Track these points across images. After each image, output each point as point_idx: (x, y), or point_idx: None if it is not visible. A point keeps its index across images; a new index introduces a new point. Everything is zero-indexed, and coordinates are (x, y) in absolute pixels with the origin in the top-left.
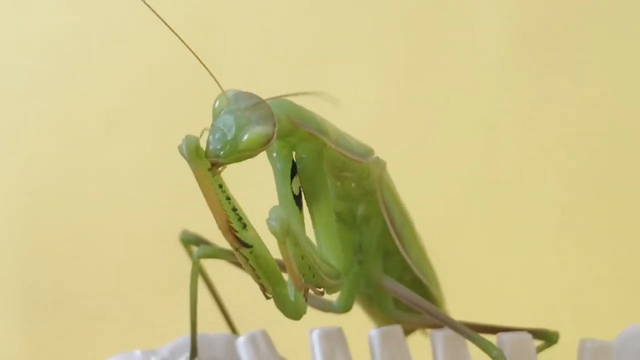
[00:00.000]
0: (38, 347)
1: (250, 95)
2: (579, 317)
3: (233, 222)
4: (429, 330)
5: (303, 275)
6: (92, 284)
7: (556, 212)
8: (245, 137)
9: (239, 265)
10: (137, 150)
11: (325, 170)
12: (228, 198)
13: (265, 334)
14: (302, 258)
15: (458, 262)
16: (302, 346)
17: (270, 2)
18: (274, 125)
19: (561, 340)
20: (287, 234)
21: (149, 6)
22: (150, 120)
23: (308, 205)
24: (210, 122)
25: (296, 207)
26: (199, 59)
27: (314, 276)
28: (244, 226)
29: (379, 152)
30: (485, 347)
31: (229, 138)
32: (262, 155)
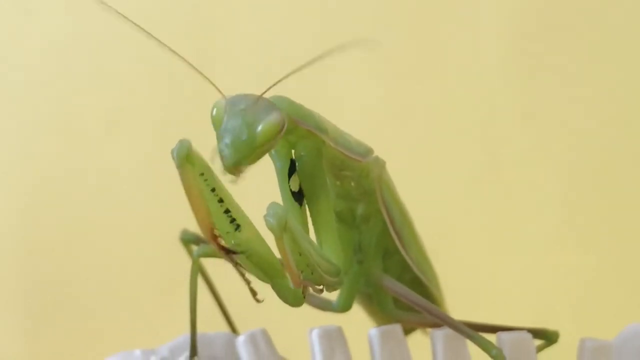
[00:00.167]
0: (38, 346)
1: (246, 95)
2: (579, 317)
3: (222, 227)
4: (429, 330)
5: (301, 272)
6: (92, 283)
7: (556, 212)
8: (259, 129)
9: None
10: (137, 150)
11: (324, 169)
12: (221, 200)
13: (265, 333)
14: (300, 255)
15: (458, 262)
16: (302, 345)
17: (269, 2)
18: (280, 112)
19: (561, 340)
20: (284, 230)
21: (146, 31)
22: (150, 121)
23: (307, 203)
24: (215, 132)
25: (295, 204)
26: (196, 68)
27: (312, 273)
28: (237, 227)
29: (379, 152)
30: (485, 346)
31: (244, 138)
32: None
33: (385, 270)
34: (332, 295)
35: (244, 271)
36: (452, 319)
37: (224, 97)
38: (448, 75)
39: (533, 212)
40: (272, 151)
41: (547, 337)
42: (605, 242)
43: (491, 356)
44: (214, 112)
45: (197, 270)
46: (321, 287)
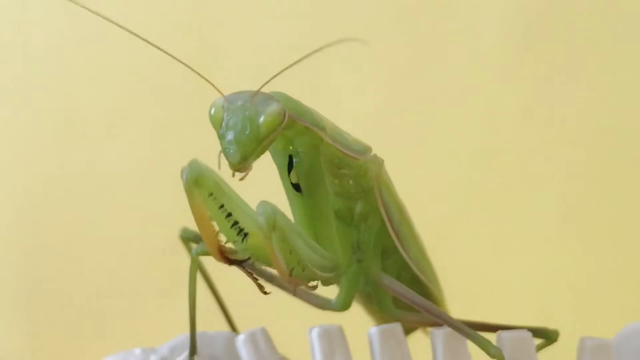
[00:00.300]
0: (38, 346)
1: (243, 92)
2: (579, 315)
3: (230, 237)
4: (429, 329)
5: (292, 270)
6: (91, 283)
7: (556, 210)
8: (262, 121)
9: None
10: (137, 150)
11: (322, 166)
12: (229, 215)
13: (265, 332)
14: (290, 252)
15: (457, 261)
16: (301, 344)
17: (269, 2)
18: (279, 102)
19: (561, 338)
20: (273, 229)
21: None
22: (150, 121)
23: (306, 198)
24: (216, 132)
25: (297, 194)
26: (193, 69)
27: (303, 270)
28: (245, 237)
29: (378, 151)
30: (484, 345)
31: (247, 133)
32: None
33: (384, 269)
34: (332, 294)
35: (252, 272)
36: (451, 318)
37: (223, 95)
38: (447, 75)
39: (532, 211)
40: (271, 148)
41: (547, 336)
42: (605, 240)
43: (490, 355)
44: (212, 112)
45: (196, 268)
46: (315, 283)
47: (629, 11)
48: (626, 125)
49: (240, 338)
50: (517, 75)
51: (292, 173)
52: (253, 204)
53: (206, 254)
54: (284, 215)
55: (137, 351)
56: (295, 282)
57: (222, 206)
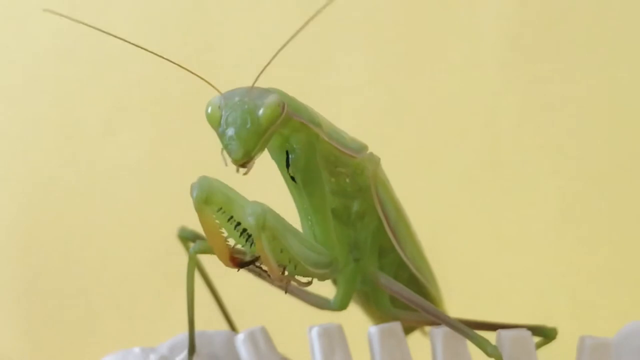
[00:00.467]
0: (38, 345)
1: (237, 89)
2: (578, 314)
3: (240, 243)
4: (427, 330)
5: (284, 268)
6: (91, 282)
7: (554, 209)
8: (261, 113)
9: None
10: (136, 150)
11: (318, 163)
12: (238, 224)
13: (264, 331)
14: (282, 251)
15: (455, 259)
16: (301, 343)
17: (269, 2)
18: (277, 93)
19: (561, 337)
20: (263, 229)
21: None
22: (149, 121)
23: (303, 194)
24: (215, 130)
25: (298, 187)
26: (190, 70)
27: (295, 268)
28: (253, 243)
29: (377, 149)
30: (481, 343)
31: (248, 126)
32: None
33: (382, 268)
34: (330, 294)
35: (265, 275)
36: (448, 317)
37: (220, 93)
38: (446, 74)
39: (531, 209)
40: (268, 146)
41: (545, 334)
42: (605, 238)
43: (487, 354)
44: (209, 111)
45: (194, 266)
46: (309, 280)
47: (628, 11)
48: (626, 125)
49: (240, 337)
50: (516, 74)
51: (290, 168)
52: None
53: (204, 252)
54: (274, 215)
55: (137, 350)
56: (287, 280)
57: (231, 217)
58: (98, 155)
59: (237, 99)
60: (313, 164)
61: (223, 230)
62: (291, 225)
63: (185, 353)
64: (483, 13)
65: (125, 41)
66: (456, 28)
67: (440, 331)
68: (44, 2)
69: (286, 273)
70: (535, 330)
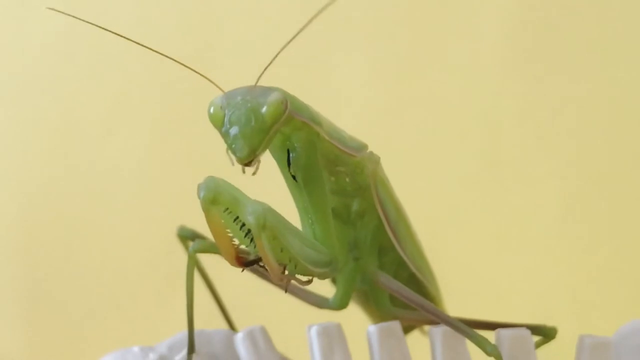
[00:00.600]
0: (37, 345)
1: (239, 88)
2: (578, 313)
3: (245, 244)
4: (426, 329)
5: (285, 267)
6: (90, 281)
7: (554, 208)
8: (265, 110)
9: None
10: (136, 149)
11: (319, 162)
12: (244, 225)
13: (263, 330)
14: (282, 250)
15: (455, 259)
16: (300, 342)
17: (269, 1)
18: (279, 90)
19: (560, 336)
20: (263, 228)
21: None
22: (149, 121)
23: (303, 192)
24: (218, 130)
25: (299, 185)
26: (192, 68)
27: (295, 267)
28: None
29: (377, 149)
30: (481, 342)
31: (253, 124)
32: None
33: (381, 267)
34: (329, 293)
35: (267, 274)
36: (448, 316)
37: (223, 92)
38: (446, 73)
39: (531, 209)
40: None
41: (545, 334)
42: (604, 237)
43: (487, 353)
44: (212, 110)
45: (194, 265)
46: (309, 278)
47: (628, 11)
48: (626, 124)
49: (239, 336)
50: (516, 73)
51: (291, 167)
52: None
53: (203, 251)
54: (275, 214)
55: (136, 349)
56: (287, 279)
57: (236, 218)
58: (98, 155)
59: (239, 98)
60: (314, 163)
61: (229, 230)
62: (291, 224)
63: (184, 352)
64: (483, 13)
65: (128, 39)
66: (456, 28)
67: (440, 330)
68: (45, 1)
69: (286, 272)
70: (535, 329)
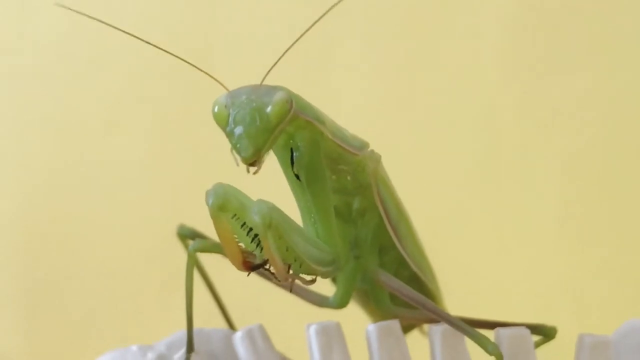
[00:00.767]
0: (37, 344)
1: (244, 87)
2: (577, 312)
3: (251, 248)
4: (426, 329)
5: (290, 266)
6: (90, 280)
7: (554, 207)
8: (270, 110)
9: None
10: (136, 148)
11: (322, 161)
12: (251, 229)
13: (262, 329)
14: (287, 250)
15: (456, 257)
16: (299, 341)
17: (269, 1)
18: (284, 90)
19: (559, 335)
20: (269, 227)
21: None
22: (149, 119)
23: (306, 191)
24: (222, 129)
25: (302, 185)
26: (196, 66)
27: (300, 266)
28: (263, 249)
29: (377, 147)
30: (481, 341)
31: (258, 124)
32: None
33: (382, 265)
34: (329, 292)
35: (272, 276)
36: (448, 315)
37: (228, 90)
38: (446, 72)
39: (531, 206)
40: None
41: (544, 333)
42: (603, 236)
43: (487, 352)
44: (216, 109)
45: (193, 264)
46: (313, 277)
47: (628, 9)
48: (626, 123)
49: (238, 335)
50: (515, 72)
51: (294, 166)
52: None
53: (203, 250)
54: (280, 213)
55: (134, 348)
56: (292, 278)
57: (244, 224)
58: (98, 154)
59: (244, 97)
60: (317, 162)
61: (236, 236)
62: (296, 223)
63: (183, 351)
64: (483, 12)
65: (132, 35)
66: (456, 27)
67: (439, 329)
68: (44, 1)
69: (291, 272)
70: (535, 329)
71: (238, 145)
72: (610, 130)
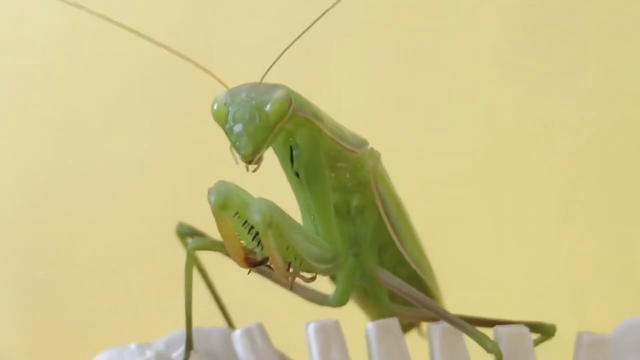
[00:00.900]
0: (37, 343)
1: (243, 85)
2: (576, 310)
3: (252, 246)
4: (424, 330)
5: (290, 264)
6: (89, 279)
7: (554, 204)
8: (269, 108)
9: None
10: (135, 147)
11: (321, 158)
12: (252, 227)
13: (261, 327)
14: (287, 248)
15: (455, 255)
16: (298, 339)
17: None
18: (283, 88)
19: (559, 333)
20: (270, 226)
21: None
22: (148, 118)
23: (306, 189)
24: (221, 126)
25: (301, 183)
26: (197, 63)
27: (300, 264)
28: (264, 247)
29: (377, 145)
30: (481, 339)
31: (257, 122)
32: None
33: (381, 263)
34: (328, 290)
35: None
36: (448, 313)
37: (227, 88)
38: (445, 70)
39: (531, 206)
40: None
41: (544, 331)
42: (603, 234)
43: (487, 350)
44: (215, 107)
45: (192, 263)
46: (313, 275)
47: (627, 9)
48: (626, 122)
49: (237, 333)
50: (515, 70)
51: (294, 164)
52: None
53: (202, 248)
54: (280, 211)
55: (133, 346)
56: (293, 277)
57: (245, 222)
58: (97, 154)
59: (243, 95)
60: (316, 160)
61: (238, 233)
62: (296, 221)
63: (181, 349)
64: (482, 11)
65: (133, 31)
66: (455, 26)
67: (438, 327)
68: (43, 0)
69: (291, 270)
70: (534, 327)
71: (237, 143)
72: (610, 130)
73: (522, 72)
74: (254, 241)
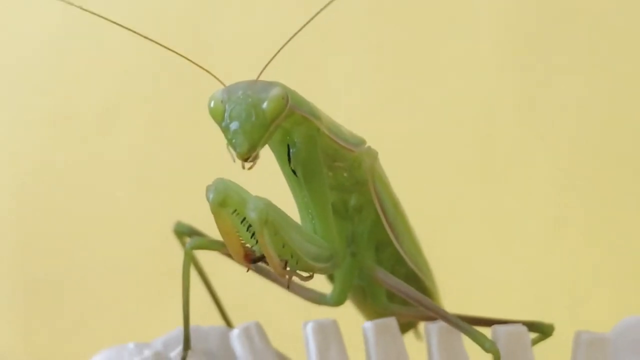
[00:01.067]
0: (35, 343)
1: (240, 82)
2: (575, 310)
3: (251, 244)
4: (421, 331)
5: (286, 263)
6: (87, 278)
7: (552, 204)
8: (266, 106)
9: (231, 257)
10: (132, 146)
11: (319, 157)
12: (250, 225)
13: (259, 327)
14: (283, 246)
15: (453, 255)
16: (296, 339)
17: None
18: (280, 86)
19: (557, 333)
20: (265, 224)
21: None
22: (145, 117)
23: (303, 188)
24: (218, 124)
25: (299, 181)
26: (194, 62)
27: (297, 262)
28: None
29: (375, 144)
30: (478, 339)
31: (253, 119)
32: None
33: (379, 262)
34: (326, 289)
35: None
36: (446, 312)
37: (224, 86)
38: (444, 69)
39: (528, 205)
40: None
41: (542, 330)
42: (601, 234)
43: (485, 349)
44: (212, 105)
45: (190, 262)
46: (310, 274)
47: (627, 9)
48: (625, 122)
49: (235, 332)
50: (514, 70)
51: (291, 162)
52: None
53: (200, 247)
54: (276, 209)
55: (131, 345)
56: (289, 275)
57: (244, 219)
58: (95, 152)
59: (240, 92)
60: (314, 158)
61: (236, 230)
62: (293, 219)
63: (180, 348)
64: (480, 10)
65: (129, 29)
66: (454, 25)
67: (436, 326)
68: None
69: (288, 268)
70: (532, 326)
71: (234, 141)
72: (608, 128)
73: (521, 72)
74: (252, 239)
